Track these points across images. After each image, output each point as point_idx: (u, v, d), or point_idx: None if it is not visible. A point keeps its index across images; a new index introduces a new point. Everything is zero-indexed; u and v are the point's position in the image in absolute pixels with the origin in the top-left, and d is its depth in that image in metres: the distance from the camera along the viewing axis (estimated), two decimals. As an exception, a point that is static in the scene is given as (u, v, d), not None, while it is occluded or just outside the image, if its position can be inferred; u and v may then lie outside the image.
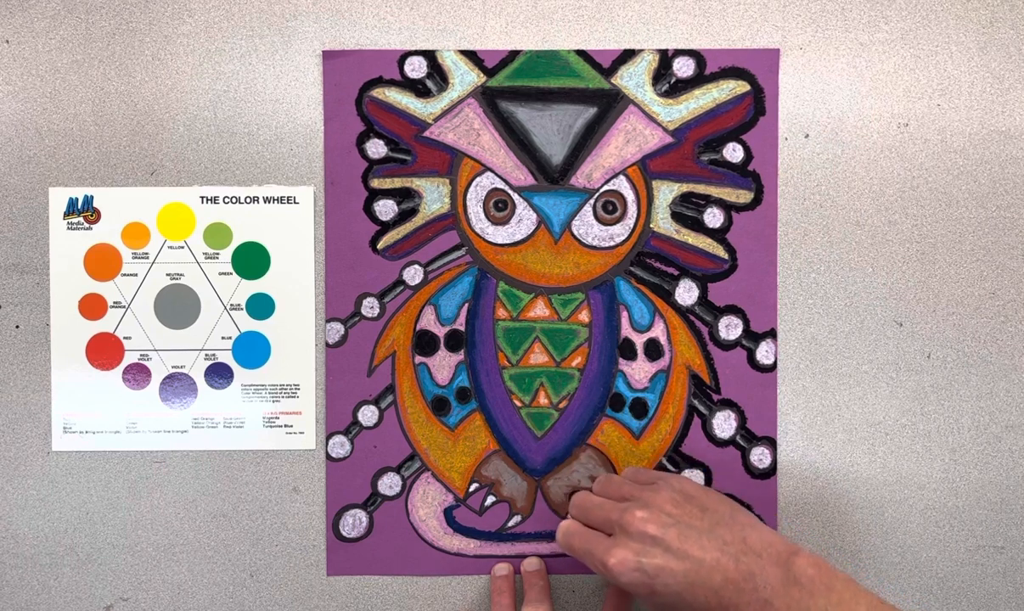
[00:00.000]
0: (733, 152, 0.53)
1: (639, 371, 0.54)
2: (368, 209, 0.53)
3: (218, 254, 0.54)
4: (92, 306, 0.54)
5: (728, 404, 0.54)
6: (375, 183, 0.53)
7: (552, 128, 0.53)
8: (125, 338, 0.54)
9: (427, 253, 0.54)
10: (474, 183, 0.54)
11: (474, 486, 0.54)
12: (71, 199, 0.53)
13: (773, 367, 0.53)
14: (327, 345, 0.54)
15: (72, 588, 0.54)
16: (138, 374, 0.54)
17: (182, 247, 0.54)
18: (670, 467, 0.54)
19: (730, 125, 0.53)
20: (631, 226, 0.54)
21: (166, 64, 0.53)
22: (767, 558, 0.42)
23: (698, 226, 0.53)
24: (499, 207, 0.54)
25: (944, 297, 0.53)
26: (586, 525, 0.47)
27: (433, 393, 0.54)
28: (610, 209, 0.53)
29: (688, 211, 0.53)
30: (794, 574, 0.42)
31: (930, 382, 0.53)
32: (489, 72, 0.53)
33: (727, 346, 0.54)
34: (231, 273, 0.54)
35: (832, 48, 0.53)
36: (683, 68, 0.53)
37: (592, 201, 0.53)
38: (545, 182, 0.53)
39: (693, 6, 0.53)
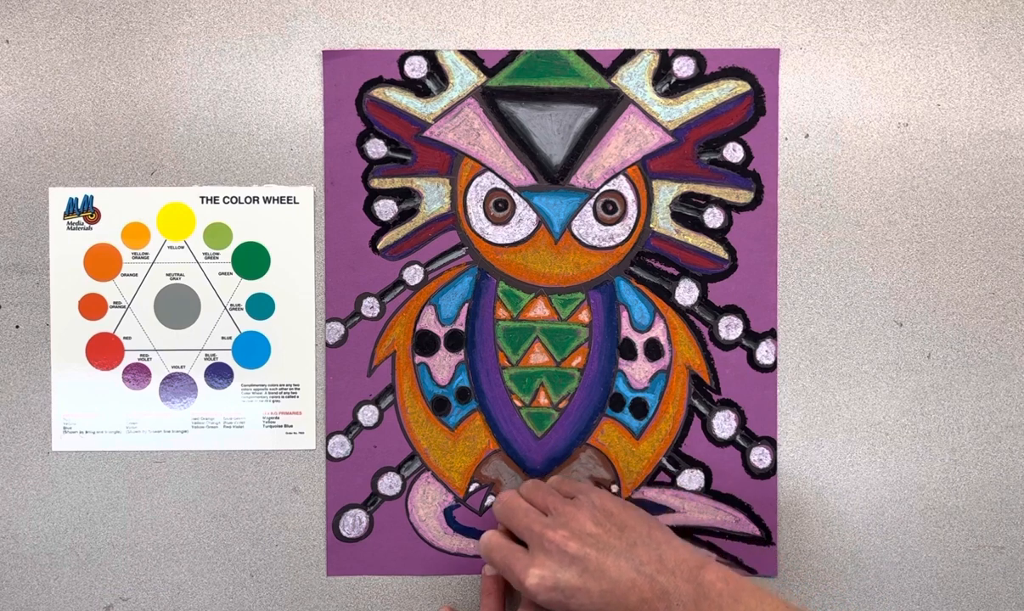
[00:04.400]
0: (733, 152, 0.53)
1: (639, 371, 0.54)
2: (368, 209, 0.53)
3: (218, 254, 0.54)
4: (92, 306, 0.54)
5: (728, 404, 0.54)
6: (375, 183, 0.53)
7: (552, 128, 0.53)
8: (125, 338, 0.54)
9: (427, 253, 0.54)
10: (474, 183, 0.54)
11: (474, 486, 0.54)
12: (71, 199, 0.53)
13: (773, 367, 0.53)
14: (327, 345, 0.54)
15: (72, 588, 0.54)
16: (138, 374, 0.54)
17: (182, 247, 0.54)
18: (670, 467, 0.54)
19: (730, 125, 0.53)
20: (631, 226, 0.54)
21: (166, 64, 0.53)
22: (680, 576, 0.44)
23: (698, 226, 0.53)
24: (499, 207, 0.54)
25: (944, 297, 0.53)
26: (507, 527, 0.49)
27: (433, 393, 0.54)
28: (610, 209, 0.53)
29: (688, 211, 0.53)
30: (704, 589, 0.43)
31: (930, 382, 0.53)
32: (489, 72, 0.53)
33: (727, 346, 0.54)
34: (231, 273, 0.54)
35: (832, 48, 0.53)
36: (683, 68, 0.53)
37: (592, 201, 0.53)
38: (545, 182, 0.54)
39: (693, 6, 0.53)
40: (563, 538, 0.45)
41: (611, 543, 0.45)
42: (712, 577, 0.43)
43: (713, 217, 0.53)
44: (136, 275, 0.54)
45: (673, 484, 0.54)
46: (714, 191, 0.53)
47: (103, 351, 0.54)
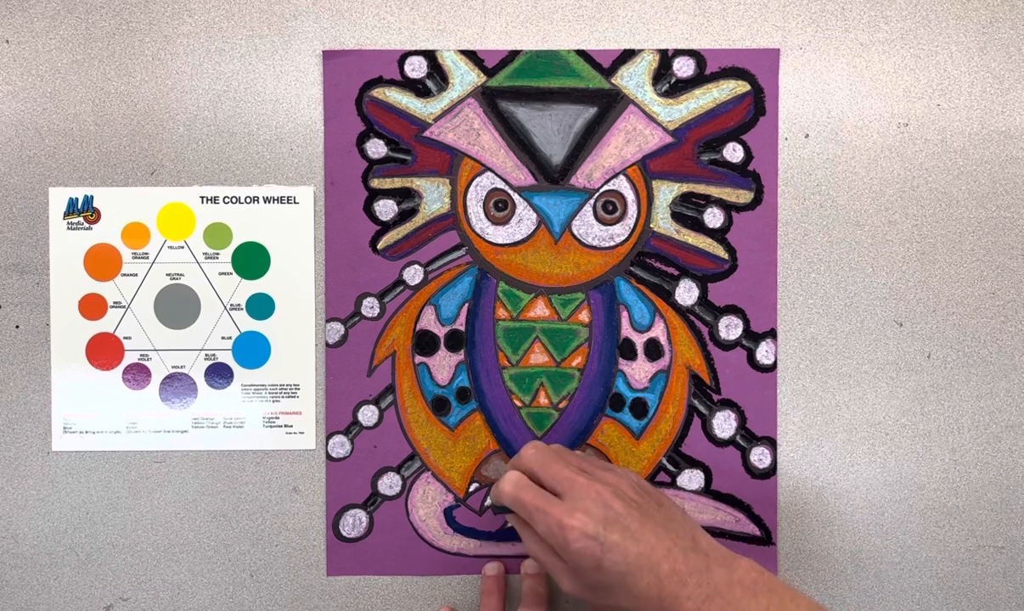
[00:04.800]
0: (733, 152, 0.53)
1: (639, 371, 0.54)
2: (368, 209, 0.53)
3: (218, 254, 0.54)
4: (92, 306, 0.54)
5: (728, 404, 0.54)
6: (375, 183, 0.53)
7: (552, 128, 0.53)
8: (125, 338, 0.54)
9: (427, 253, 0.54)
10: (474, 183, 0.54)
11: (474, 486, 0.54)
12: (71, 199, 0.53)
13: (773, 367, 0.53)
14: (327, 345, 0.54)
15: (72, 588, 0.54)
16: (138, 374, 0.54)
17: (182, 247, 0.54)
18: (670, 467, 0.54)
19: (730, 125, 0.53)
20: (631, 226, 0.54)
21: (166, 64, 0.53)
22: (713, 558, 0.43)
23: (698, 226, 0.53)
24: (499, 207, 0.54)
25: (944, 297, 0.53)
26: (534, 479, 0.46)
27: (433, 393, 0.54)
28: (610, 209, 0.53)
29: (688, 211, 0.53)
30: (738, 576, 0.43)
31: (930, 382, 0.53)
32: (489, 72, 0.53)
33: (727, 346, 0.54)
34: (231, 273, 0.54)
35: (832, 48, 0.53)
36: (683, 68, 0.53)
37: (592, 201, 0.53)
38: (545, 182, 0.54)
39: (693, 6, 0.53)
40: (610, 494, 0.44)
41: (651, 512, 0.44)
42: (746, 565, 0.43)
43: (713, 217, 0.53)
44: (136, 275, 0.54)
45: (673, 484, 0.54)
46: (714, 191, 0.53)
47: (103, 351, 0.54)
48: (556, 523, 0.43)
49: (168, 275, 0.54)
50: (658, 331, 0.54)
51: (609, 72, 0.53)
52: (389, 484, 0.54)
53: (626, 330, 0.54)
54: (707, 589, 0.42)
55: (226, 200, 0.54)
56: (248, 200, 0.54)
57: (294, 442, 0.54)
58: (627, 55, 0.53)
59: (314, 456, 0.54)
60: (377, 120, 0.53)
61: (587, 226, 0.54)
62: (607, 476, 0.45)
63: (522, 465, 0.47)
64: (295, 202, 0.54)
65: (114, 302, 0.54)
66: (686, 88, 0.53)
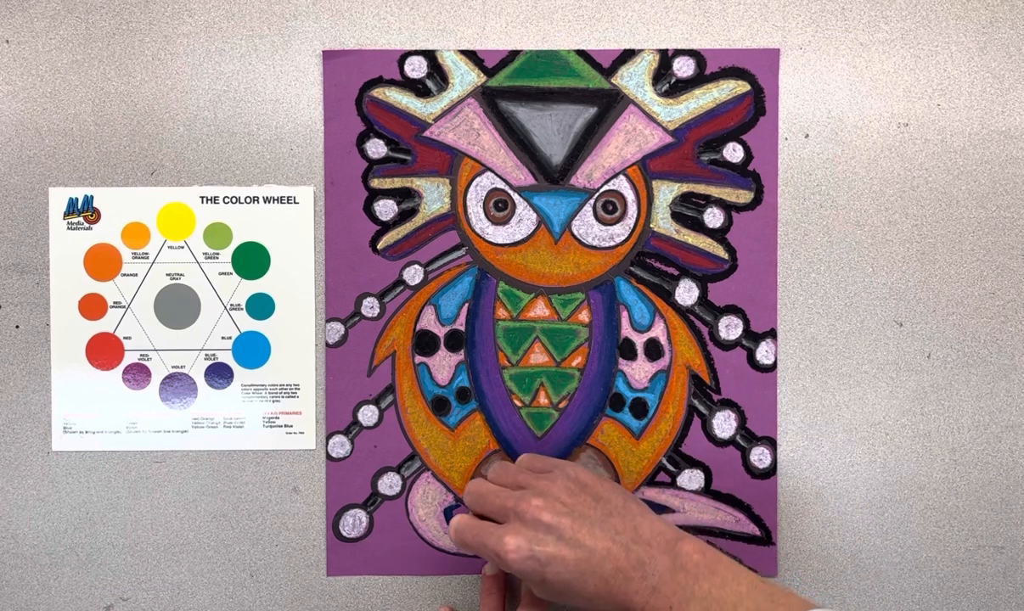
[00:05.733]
0: (733, 152, 0.53)
1: (639, 371, 0.54)
2: (368, 209, 0.53)
3: (218, 254, 0.54)
4: (92, 306, 0.54)
5: (728, 404, 0.54)
6: (375, 183, 0.53)
7: (552, 128, 0.53)
8: (125, 338, 0.54)
9: (427, 253, 0.54)
10: (474, 183, 0.54)
11: (474, 486, 0.54)
12: (71, 199, 0.53)
13: (773, 367, 0.53)
14: (327, 345, 0.54)
15: (72, 588, 0.54)
16: (138, 374, 0.54)
17: (182, 247, 0.54)
18: (670, 467, 0.54)
19: (730, 125, 0.53)
20: (631, 226, 0.54)
21: (166, 64, 0.53)
22: (656, 546, 0.44)
23: (698, 226, 0.53)
24: (499, 207, 0.54)
25: (944, 297, 0.53)
26: (479, 513, 0.47)
27: (433, 393, 0.54)
28: (610, 209, 0.53)
29: (688, 211, 0.53)
30: (681, 560, 0.43)
31: (930, 382, 0.53)
32: (489, 72, 0.53)
33: (727, 346, 0.54)
34: (231, 273, 0.54)
35: (832, 48, 0.53)
36: (683, 68, 0.53)
37: (592, 201, 0.53)
38: (545, 182, 0.54)
39: (693, 6, 0.53)
40: (536, 508, 0.44)
41: (586, 513, 0.45)
42: (689, 549, 0.43)
43: (713, 217, 0.53)
44: (136, 275, 0.54)
45: (673, 484, 0.54)
46: (714, 191, 0.53)
47: (103, 351, 0.54)
48: (493, 552, 0.45)
49: (168, 275, 0.54)
50: (658, 331, 0.54)
51: (609, 72, 0.53)
52: (389, 484, 0.54)
53: (626, 330, 0.54)
54: (652, 580, 0.43)
55: (226, 200, 0.54)
56: (248, 200, 0.54)
57: (294, 442, 0.54)
58: (627, 55, 0.53)
59: (314, 456, 0.54)
60: (377, 120, 0.53)
61: (587, 226, 0.54)
62: (541, 485, 0.46)
63: (467, 499, 0.48)
64: (295, 202, 0.54)
65: (114, 302, 0.54)
66: (686, 88, 0.53)
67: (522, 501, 0.45)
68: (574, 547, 0.43)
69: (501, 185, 0.54)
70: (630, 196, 0.53)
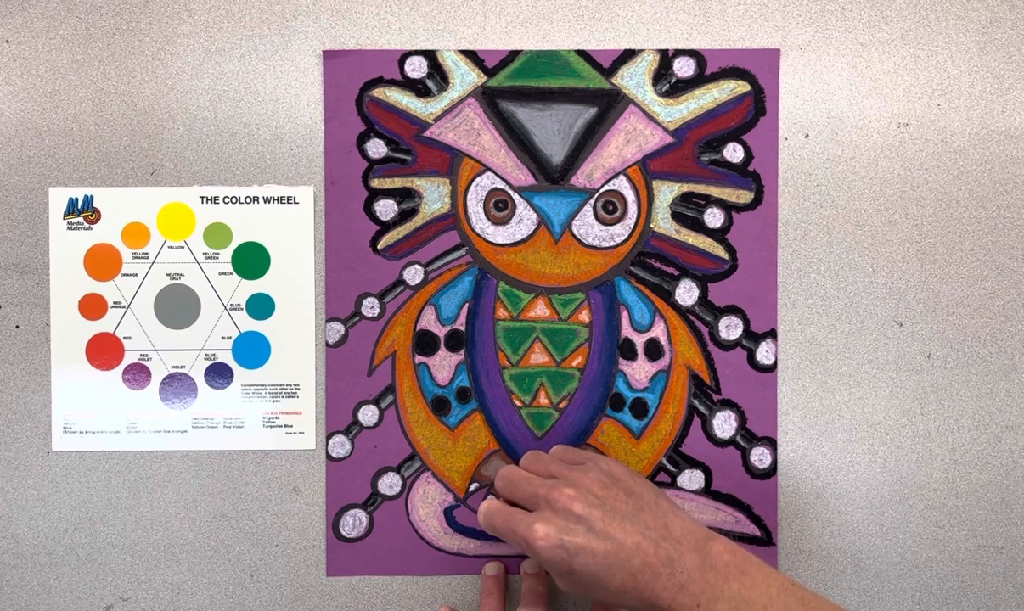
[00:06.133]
0: (733, 152, 0.53)
1: (639, 371, 0.54)
2: (368, 209, 0.53)
3: (218, 254, 0.54)
4: (92, 306, 0.54)
5: (728, 404, 0.54)
6: (375, 183, 0.53)
7: (552, 128, 0.53)
8: (125, 338, 0.54)
9: (427, 253, 0.54)
10: (474, 183, 0.54)
11: (474, 486, 0.54)
12: (71, 199, 0.53)
13: (773, 367, 0.53)
14: (327, 345, 0.54)
15: (72, 588, 0.54)
16: (138, 374, 0.54)
17: (182, 247, 0.54)
18: (670, 467, 0.54)
19: (730, 125, 0.53)
20: (631, 226, 0.54)
21: (166, 64, 0.53)
22: (686, 544, 0.43)
23: (698, 226, 0.53)
24: (499, 207, 0.54)
25: (944, 297, 0.53)
26: (509, 500, 0.47)
27: (433, 393, 0.54)
28: (610, 209, 0.53)
29: (688, 211, 0.53)
30: (711, 560, 0.43)
31: (930, 382, 0.53)
32: (489, 72, 0.53)
33: (727, 346, 0.54)
34: (231, 273, 0.54)
35: (832, 48, 0.53)
36: (683, 68, 0.53)
37: (592, 201, 0.53)
38: (545, 182, 0.54)
39: (693, 6, 0.53)
40: (568, 497, 0.44)
41: (617, 506, 0.45)
42: (719, 548, 0.43)
43: (713, 217, 0.53)
44: (136, 275, 0.54)
45: (673, 484, 0.54)
46: (714, 191, 0.53)
47: (103, 351, 0.54)
48: (522, 540, 0.44)
49: (168, 275, 0.54)
50: (658, 331, 0.54)
51: (609, 72, 0.53)
52: (389, 484, 0.54)
53: (626, 330, 0.54)
54: (680, 577, 0.42)
55: (226, 200, 0.54)
56: (248, 200, 0.54)
57: (294, 442, 0.54)
58: (627, 55, 0.53)
59: (314, 456, 0.54)
60: (377, 120, 0.53)
61: (587, 226, 0.54)
62: (573, 475, 0.46)
63: (498, 483, 0.48)
64: (295, 202, 0.54)
65: (114, 302, 0.54)
66: (686, 88, 0.53)
67: (554, 490, 0.45)
68: (603, 539, 0.43)
69: (501, 185, 0.54)
70: (630, 196, 0.53)
